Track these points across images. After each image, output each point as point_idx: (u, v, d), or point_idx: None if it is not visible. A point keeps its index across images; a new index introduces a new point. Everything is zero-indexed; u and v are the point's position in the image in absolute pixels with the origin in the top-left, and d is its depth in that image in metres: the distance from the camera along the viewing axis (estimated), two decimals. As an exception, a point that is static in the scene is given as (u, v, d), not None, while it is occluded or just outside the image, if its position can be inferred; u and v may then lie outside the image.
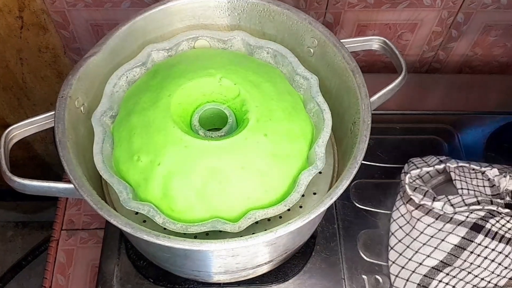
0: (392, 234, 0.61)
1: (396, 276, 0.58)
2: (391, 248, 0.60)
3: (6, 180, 0.42)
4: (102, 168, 0.45)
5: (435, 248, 0.58)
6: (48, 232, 0.70)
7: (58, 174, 1.03)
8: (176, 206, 0.44)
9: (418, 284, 0.57)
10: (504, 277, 0.56)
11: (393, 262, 0.59)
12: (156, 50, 0.52)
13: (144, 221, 0.49)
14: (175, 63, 0.51)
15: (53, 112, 0.45)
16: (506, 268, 0.56)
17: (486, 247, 0.57)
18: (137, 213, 0.48)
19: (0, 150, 0.43)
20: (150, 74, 0.51)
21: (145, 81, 0.50)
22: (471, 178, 0.63)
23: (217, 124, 0.50)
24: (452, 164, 0.62)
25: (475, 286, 0.57)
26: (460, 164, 0.62)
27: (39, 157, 1.04)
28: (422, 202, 0.59)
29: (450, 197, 0.59)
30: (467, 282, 0.56)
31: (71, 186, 0.42)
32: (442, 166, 0.62)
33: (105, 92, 0.49)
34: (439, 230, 0.59)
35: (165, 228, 0.43)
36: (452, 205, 0.59)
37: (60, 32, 0.71)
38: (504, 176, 0.61)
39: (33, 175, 1.07)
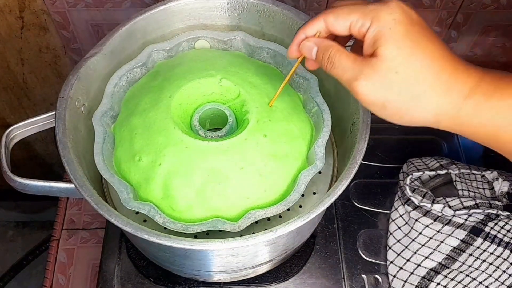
0: (391, 234, 0.61)
1: (394, 276, 0.58)
2: (389, 248, 0.60)
3: (7, 180, 0.43)
4: (103, 168, 0.45)
5: (434, 250, 0.58)
6: (49, 231, 0.70)
7: (59, 174, 1.03)
8: (176, 205, 0.44)
9: (416, 286, 0.57)
10: (502, 283, 0.56)
11: (391, 262, 0.59)
12: (157, 51, 0.52)
13: (145, 221, 0.49)
14: (176, 64, 0.51)
15: (53, 112, 0.45)
16: (504, 272, 0.56)
17: (485, 250, 0.57)
18: (137, 212, 0.49)
19: (1, 150, 0.43)
20: (151, 76, 0.51)
21: (146, 82, 0.50)
22: (470, 180, 0.63)
23: (217, 124, 0.51)
24: (453, 171, 0.62)
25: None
26: (462, 170, 0.63)
27: (39, 157, 1.04)
28: (421, 204, 0.59)
29: (448, 199, 0.60)
30: (465, 286, 0.56)
31: (71, 186, 0.42)
32: (444, 172, 0.63)
33: (105, 92, 0.49)
34: (438, 231, 0.59)
35: (165, 228, 0.43)
36: (450, 207, 0.59)
37: (61, 32, 0.72)
38: (497, 179, 0.61)
39: (34, 175, 1.07)
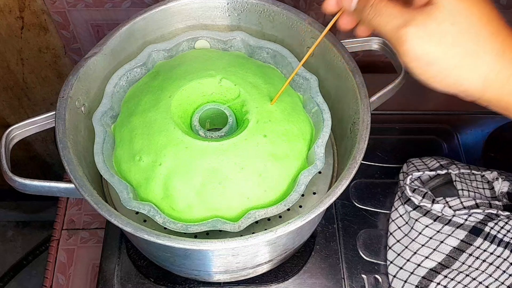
0: (391, 234, 0.61)
1: (394, 276, 0.58)
2: (389, 248, 0.60)
3: (7, 179, 0.43)
4: (103, 167, 0.45)
5: (434, 249, 0.58)
6: (49, 231, 0.70)
7: (59, 174, 1.03)
8: (176, 205, 0.44)
9: (416, 286, 0.57)
10: (502, 283, 0.56)
11: (391, 262, 0.59)
12: (157, 51, 0.52)
13: (145, 221, 0.49)
14: (176, 64, 0.51)
15: (53, 112, 0.45)
16: (504, 272, 0.56)
17: (485, 250, 0.57)
18: (137, 212, 0.49)
19: (1, 150, 0.43)
20: (151, 76, 0.51)
21: (146, 83, 0.50)
22: (470, 180, 0.63)
23: (217, 124, 0.51)
24: (453, 171, 0.62)
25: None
26: (462, 170, 0.63)
27: (39, 157, 1.04)
28: (421, 204, 0.59)
29: (448, 199, 0.60)
30: (465, 286, 0.56)
31: (71, 186, 0.42)
32: (444, 172, 0.63)
33: (106, 92, 0.49)
34: (438, 231, 0.59)
35: (165, 228, 0.43)
36: (450, 207, 0.59)
37: (61, 32, 0.72)
38: (497, 179, 0.61)
39: (34, 175, 1.07)
